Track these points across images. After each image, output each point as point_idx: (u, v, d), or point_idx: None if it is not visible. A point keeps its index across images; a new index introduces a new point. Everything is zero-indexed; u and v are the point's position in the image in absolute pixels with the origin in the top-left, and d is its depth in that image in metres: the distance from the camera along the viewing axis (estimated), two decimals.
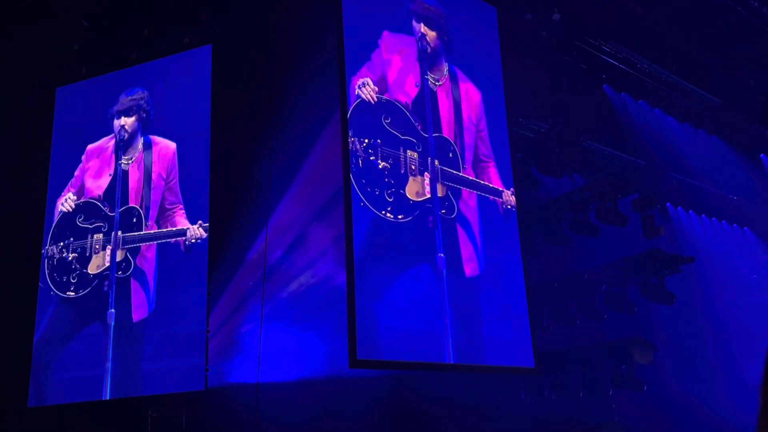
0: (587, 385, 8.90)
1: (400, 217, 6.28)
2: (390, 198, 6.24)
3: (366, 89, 6.35)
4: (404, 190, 6.38)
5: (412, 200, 6.41)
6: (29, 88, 7.67)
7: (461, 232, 6.73)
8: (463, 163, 6.91)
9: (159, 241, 6.93)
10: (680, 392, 9.43)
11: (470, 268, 6.68)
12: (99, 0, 7.51)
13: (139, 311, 6.81)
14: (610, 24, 8.91)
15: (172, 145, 7.20)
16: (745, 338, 10.91)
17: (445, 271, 6.38)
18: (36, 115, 7.76)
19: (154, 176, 7.16)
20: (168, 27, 7.57)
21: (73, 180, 7.53)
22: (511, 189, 7.24)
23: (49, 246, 7.31)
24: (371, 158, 6.23)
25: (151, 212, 7.05)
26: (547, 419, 8.68)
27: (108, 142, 7.47)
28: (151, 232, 6.98)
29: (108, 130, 7.51)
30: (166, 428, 6.43)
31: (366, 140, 6.23)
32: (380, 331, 5.92)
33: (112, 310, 6.88)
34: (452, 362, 6.22)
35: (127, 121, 7.38)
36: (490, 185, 7.11)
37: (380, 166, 6.26)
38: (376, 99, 6.38)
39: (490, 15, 7.70)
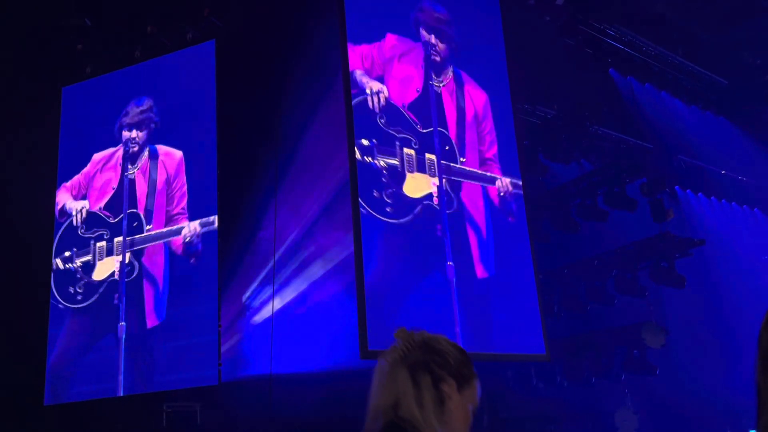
0: (599, 371, 8.90)
1: (403, 220, 6.24)
2: (389, 199, 6.20)
3: (377, 98, 6.28)
4: (402, 189, 6.33)
5: (411, 197, 6.37)
6: (34, 88, 7.69)
7: (468, 227, 6.69)
8: (462, 155, 6.84)
9: (158, 242, 6.94)
10: (693, 375, 9.41)
11: (480, 266, 6.63)
12: None
13: (151, 318, 6.81)
14: (614, 7, 8.84)
15: (178, 153, 7.18)
16: (758, 320, 10.82)
17: (454, 280, 6.35)
18: (43, 116, 7.78)
19: (158, 182, 7.17)
20: (171, 23, 7.58)
21: (75, 181, 7.56)
22: (509, 178, 7.12)
23: (53, 259, 7.35)
24: (367, 159, 6.18)
25: (154, 216, 7.06)
26: (559, 405, 8.69)
27: (115, 153, 7.49)
28: (152, 233, 7.00)
29: (115, 138, 7.53)
30: (181, 422, 6.49)
31: (363, 141, 6.18)
32: (392, 322, 5.93)
33: (123, 323, 6.89)
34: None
35: (139, 135, 7.39)
36: (487, 174, 6.99)
37: (379, 165, 6.22)
38: (379, 108, 6.31)
39: (492, 2, 7.64)
